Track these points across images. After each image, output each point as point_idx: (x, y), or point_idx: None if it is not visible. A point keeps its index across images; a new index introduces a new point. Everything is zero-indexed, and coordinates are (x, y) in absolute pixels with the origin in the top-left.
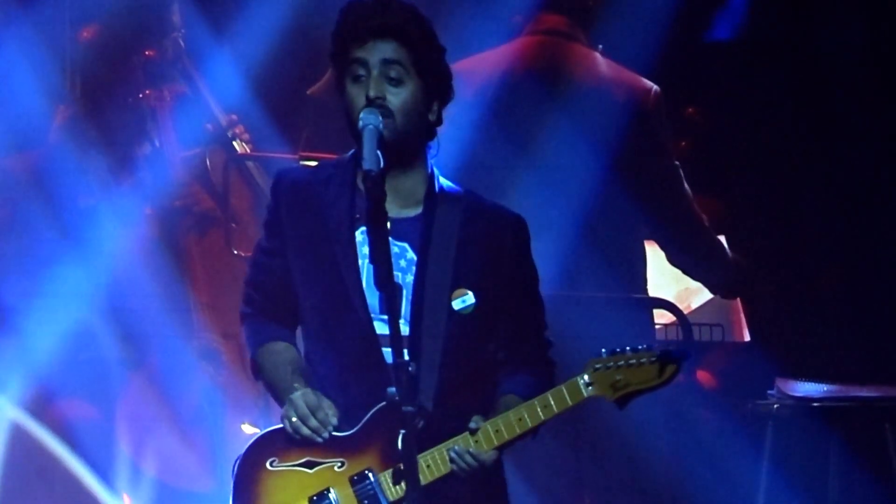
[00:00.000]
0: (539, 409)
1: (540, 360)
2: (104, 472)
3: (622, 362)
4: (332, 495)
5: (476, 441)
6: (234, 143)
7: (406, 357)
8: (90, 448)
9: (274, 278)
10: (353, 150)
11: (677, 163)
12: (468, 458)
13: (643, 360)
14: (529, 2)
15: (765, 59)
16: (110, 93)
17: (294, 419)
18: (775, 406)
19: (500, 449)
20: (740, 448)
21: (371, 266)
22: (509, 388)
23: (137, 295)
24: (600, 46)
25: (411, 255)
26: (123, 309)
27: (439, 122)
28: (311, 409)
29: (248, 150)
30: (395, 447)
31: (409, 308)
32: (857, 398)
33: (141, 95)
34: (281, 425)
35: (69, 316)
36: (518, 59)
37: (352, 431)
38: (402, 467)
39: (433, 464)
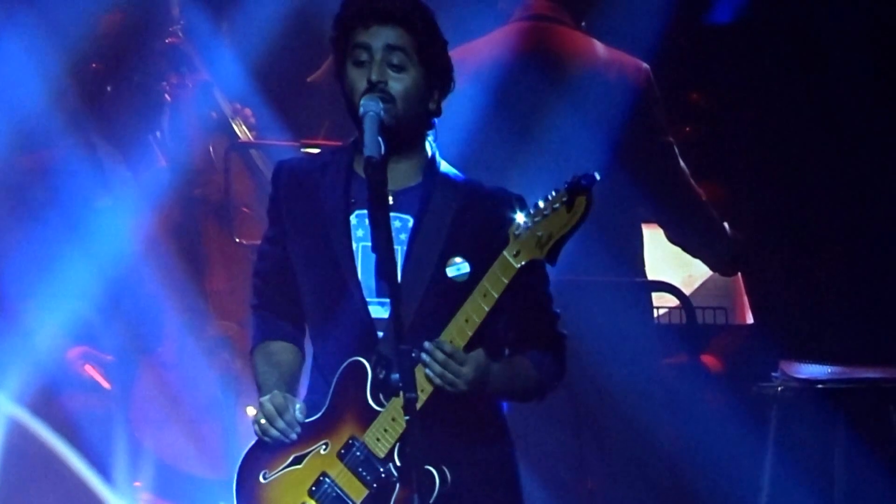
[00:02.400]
0: (480, 301)
1: (549, 338)
2: (114, 462)
3: (538, 217)
4: (328, 479)
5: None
6: (236, 126)
7: (408, 344)
8: (99, 438)
9: (277, 267)
10: (353, 137)
11: (671, 139)
12: (439, 355)
13: (556, 205)
14: None
15: (766, 41)
16: (114, 83)
17: (263, 421)
18: (780, 388)
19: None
20: (745, 431)
21: (365, 250)
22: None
23: (151, 284)
24: (583, 24)
25: (412, 224)
26: (137, 298)
27: (438, 112)
28: (278, 410)
29: (252, 137)
30: (367, 405)
31: (401, 273)
32: (862, 380)
33: (164, 83)
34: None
35: (77, 308)
36: (509, 45)
37: (322, 411)
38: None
39: (419, 379)
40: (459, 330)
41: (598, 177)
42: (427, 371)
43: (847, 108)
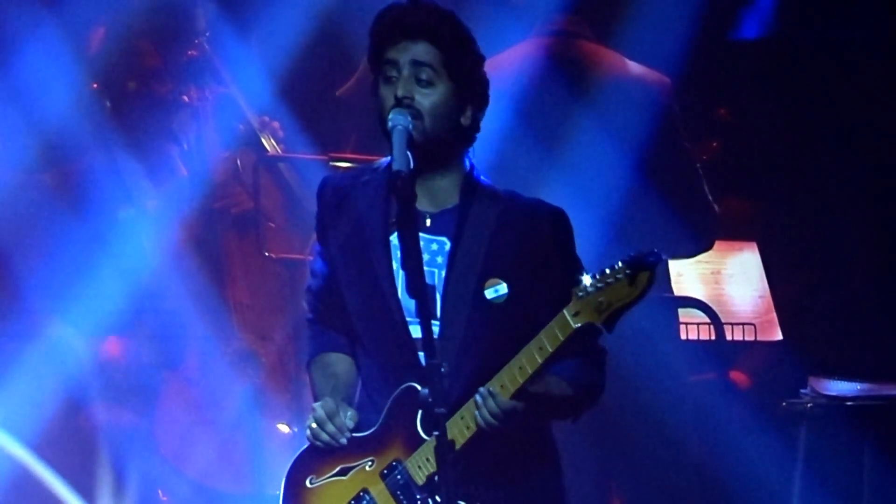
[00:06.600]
0: (535, 353)
1: (586, 350)
2: (138, 476)
3: (601, 284)
4: (368, 496)
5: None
6: (265, 139)
7: (437, 359)
8: (124, 450)
9: (326, 283)
10: (389, 155)
11: (691, 147)
12: (491, 404)
13: (619, 275)
14: (544, 2)
15: (793, 57)
16: (136, 95)
17: (314, 426)
18: (808, 405)
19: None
20: (773, 448)
21: (403, 272)
22: (552, 371)
23: (174, 298)
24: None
25: (449, 247)
26: (160, 312)
27: (475, 128)
28: (328, 415)
29: (279, 150)
30: (416, 431)
31: (440, 298)
32: (891, 397)
33: (185, 96)
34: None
35: (102, 321)
36: (533, 59)
37: (374, 428)
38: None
39: (468, 415)
40: (511, 378)
41: (663, 256)
42: (476, 413)
43: (875, 123)
